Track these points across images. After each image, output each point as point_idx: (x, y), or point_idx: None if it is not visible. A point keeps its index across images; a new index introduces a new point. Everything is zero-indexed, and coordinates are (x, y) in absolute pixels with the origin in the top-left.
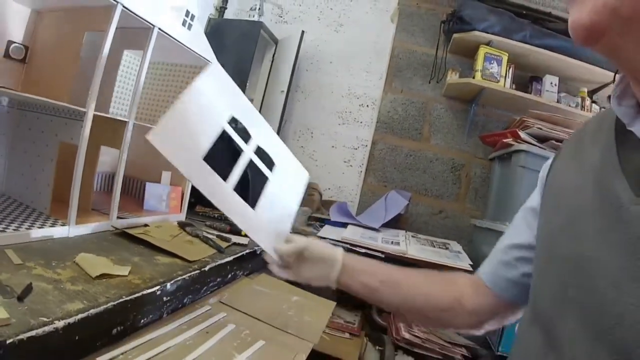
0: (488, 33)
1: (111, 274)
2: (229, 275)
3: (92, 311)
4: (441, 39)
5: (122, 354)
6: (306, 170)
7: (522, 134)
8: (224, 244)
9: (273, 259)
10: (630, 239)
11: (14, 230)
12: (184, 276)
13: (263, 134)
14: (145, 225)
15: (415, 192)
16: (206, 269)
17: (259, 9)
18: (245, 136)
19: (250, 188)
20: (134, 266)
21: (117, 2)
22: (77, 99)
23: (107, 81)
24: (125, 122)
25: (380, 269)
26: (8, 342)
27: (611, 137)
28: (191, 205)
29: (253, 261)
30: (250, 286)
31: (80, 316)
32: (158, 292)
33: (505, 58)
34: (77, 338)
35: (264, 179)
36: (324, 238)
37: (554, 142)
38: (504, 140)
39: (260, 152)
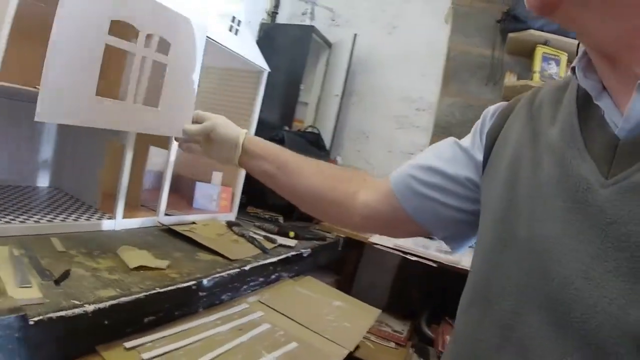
0: (544, 32)
1: (149, 266)
2: (272, 276)
3: (123, 299)
4: (497, 39)
5: (150, 341)
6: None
7: None
8: (269, 245)
9: (182, 139)
10: (600, 224)
11: (61, 220)
12: (222, 273)
13: (150, 18)
14: (193, 223)
15: None
16: (247, 268)
17: (311, 13)
18: (131, 34)
19: (150, 88)
20: (174, 261)
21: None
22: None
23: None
24: None
25: (279, 156)
26: (37, 319)
27: (573, 112)
28: (242, 206)
29: (299, 263)
30: (293, 288)
31: (110, 302)
32: (193, 287)
33: (564, 58)
34: (106, 322)
35: (162, 67)
36: (376, 244)
37: None
38: None
39: (150, 39)
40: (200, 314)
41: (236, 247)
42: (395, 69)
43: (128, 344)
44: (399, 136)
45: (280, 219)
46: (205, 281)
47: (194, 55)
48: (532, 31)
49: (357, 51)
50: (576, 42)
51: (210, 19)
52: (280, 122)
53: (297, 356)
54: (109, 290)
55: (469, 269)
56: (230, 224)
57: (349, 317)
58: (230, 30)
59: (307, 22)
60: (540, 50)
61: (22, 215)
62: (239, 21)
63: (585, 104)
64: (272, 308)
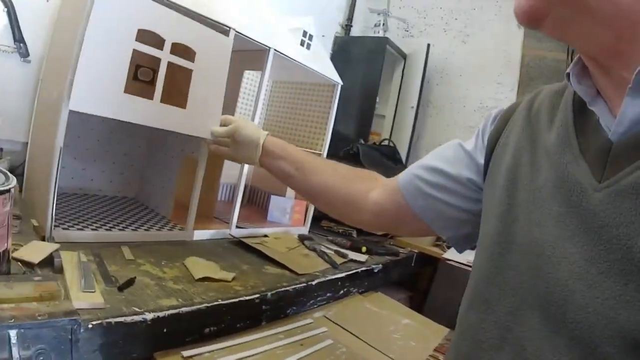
0: None
1: (214, 277)
2: (341, 292)
3: (184, 309)
4: None
5: (209, 352)
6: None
7: None
8: (339, 260)
9: (210, 140)
10: (594, 227)
11: (133, 230)
12: (287, 288)
13: (176, 29)
14: (265, 236)
15: None
16: (314, 283)
17: (384, 24)
18: (159, 42)
19: (177, 88)
20: (240, 273)
21: (230, 27)
22: None
23: (229, 101)
24: None
25: (297, 156)
26: (95, 322)
27: (569, 117)
28: (316, 219)
29: (369, 279)
30: (361, 304)
31: (170, 312)
32: (257, 300)
33: None
34: (165, 331)
35: (188, 73)
36: (449, 260)
37: None
38: None
39: (177, 47)
40: (263, 327)
41: (305, 261)
42: (470, 78)
43: (186, 353)
44: None
45: (354, 234)
46: (269, 295)
47: (221, 64)
48: None
49: (431, 61)
50: None
51: (280, 35)
52: (356, 136)
53: None
54: (171, 300)
55: None
56: (302, 238)
57: (416, 336)
58: (301, 44)
59: (381, 34)
60: None
61: (96, 223)
62: (311, 35)
63: (581, 109)
64: (337, 324)
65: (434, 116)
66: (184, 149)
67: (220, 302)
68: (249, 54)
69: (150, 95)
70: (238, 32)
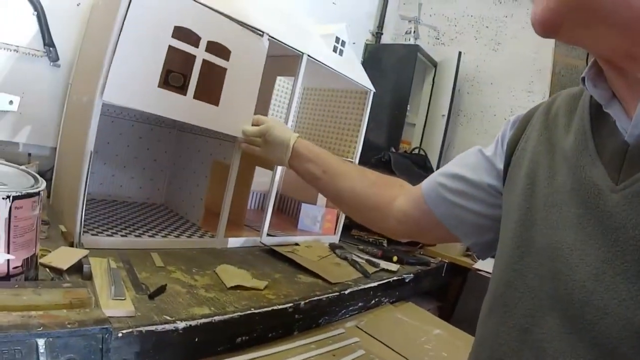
0: None
1: (246, 286)
2: (373, 301)
3: (216, 318)
4: None
5: None
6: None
7: None
8: (371, 269)
9: (241, 139)
10: (610, 228)
11: (163, 237)
12: (320, 297)
13: (212, 28)
14: (296, 244)
15: None
16: (346, 292)
17: (414, 32)
18: (194, 39)
19: (210, 86)
20: (272, 282)
21: (264, 32)
22: None
23: (262, 106)
24: None
25: (326, 160)
26: (125, 331)
27: (586, 120)
28: (346, 228)
29: (400, 289)
30: (392, 314)
31: (202, 320)
32: (290, 309)
33: None
34: (196, 340)
35: (222, 71)
36: (480, 270)
37: None
38: None
39: (213, 45)
40: (295, 336)
41: (337, 270)
42: (501, 86)
43: None
44: None
45: (385, 243)
46: (302, 304)
47: (255, 64)
48: None
49: (462, 69)
50: None
51: (313, 41)
52: (387, 144)
53: None
54: (203, 308)
55: None
56: (333, 247)
57: (448, 346)
58: (334, 51)
59: (412, 42)
60: None
61: (125, 229)
62: (343, 41)
63: (597, 112)
64: (368, 334)
65: (464, 124)
66: (213, 153)
67: (253, 311)
68: (281, 60)
69: (183, 92)
70: (272, 37)
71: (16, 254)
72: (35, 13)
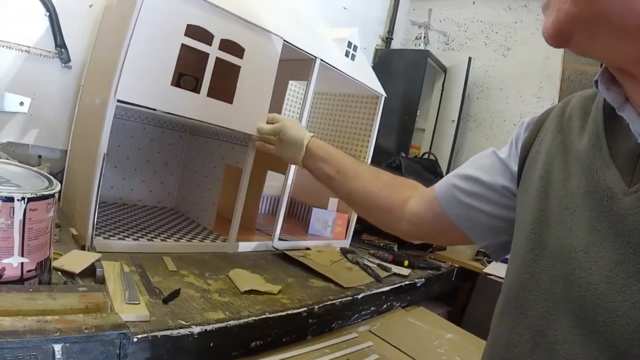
0: None
1: (260, 290)
2: (385, 305)
3: (232, 322)
4: None
5: None
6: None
7: None
8: (383, 274)
9: (256, 137)
10: (623, 231)
11: (175, 241)
12: (334, 301)
13: (225, 24)
14: (307, 249)
15: None
16: (359, 296)
17: (424, 37)
18: (207, 37)
19: (224, 84)
20: (286, 286)
21: (278, 36)
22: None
23: (274, 110)
24: None
25: (340, 160)
26: (141, 336)
27: (599, 123)
28: (357, 233)
29: (412, 293)
30: (404, 318)
31: (218, 325)
32: (304, 314)
33: None
34: (211, 344)
35: (236, 69)
36: (490, 275)
37: None
38: None
39: (226, 43)
40: (308, 341)
41: (349, 275)
42: (510, 92)
43: None
44: None
45: (395, 247)
46: (316, 308)
47: (269, 62)
48: None
49: (472, 75)
50: None
51: (325, 45)
52: (396, 149)
53: None
54: (218, 313)
55: None
56: (344, 251)
57: (460, 350)
58: (346, 55)
59: (422, 47)
60: None
61: (136, 233)
62: (355, 46)
63: (611, 115)
64: (381, 338)
65: (474, 130)
66: (225, 157)
67: (268, 315)
68: (294, 64)
69: (196, 91)
70: (285, 41)
71: (30, 257)
72: (47, 14)
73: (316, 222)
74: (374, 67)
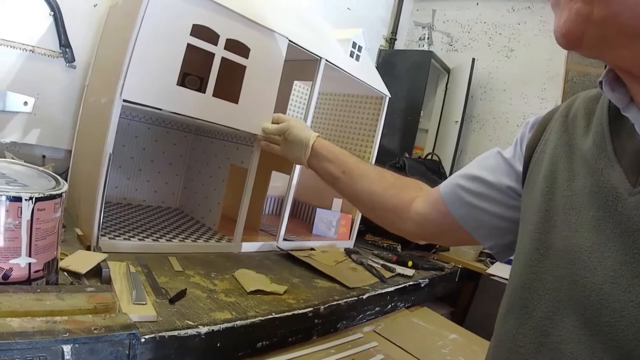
0: None
1: (266, 290)
2: (389, 306)
3: (238, 323)
4: None
5: None
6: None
7: None
8: (387, 274)
9: (261, 136)
10: (628, 231)
11: (180, 241)
12: (339, 301)
13: (231, 24)
14: (312, 249)
15: None
16: (364, 297)
17: (428, 38)
18: (213, 37)
19: (229, 84)
20: (291, 287)
21: (283, 36)
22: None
23: (279, 110)
24: None
25: (345, 160)
26: (149, 336)
27: (604, 123)
28: (361, 233)
29: (415, 294)
30: (408, 319)
31: (225, 325)
32: (310, 314)
33: None
34: (218, 345)
35: (241, 69)
36: (493, 275)
37: None
38: None
39: (232, 43)
40: (313, 341)
41: (354, 275)
42: (514, 93)
43: None
44: None
45: (399, 248)
46: (322, 308)
47: (274, 62)
48: None
49: (475, 76)
50: None
51: (330, 45)
52: (400, 149)
53: None
54: (225, 313)
55: None
56: (348, 252)
57: (464, 351)
58: (351, 56)
59: (425, 48)
60: None
61: (142, 233)
62: (360, 47)
63: (616, 115)
64: (386, 338)
65: (477, 131)
66: (230, 157)
67: (274, 315)
68: (299, 64)
69: (202, 91)
70: (291, 41)
71: (38, 257)
72: (52, 14)
73: (320, 223)
74: (377, 68)
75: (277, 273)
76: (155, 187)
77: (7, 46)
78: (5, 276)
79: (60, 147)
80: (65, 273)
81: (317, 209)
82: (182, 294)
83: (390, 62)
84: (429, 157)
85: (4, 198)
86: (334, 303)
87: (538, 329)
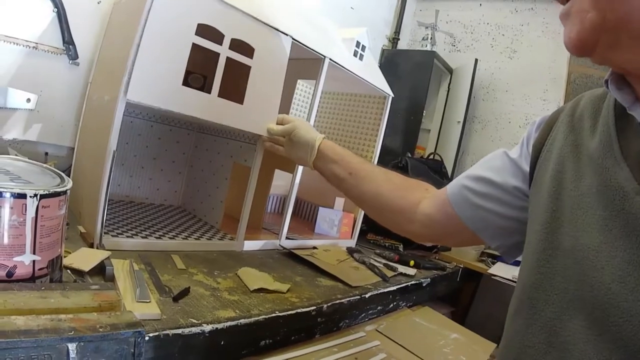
0: None
1: (269, 289)
2: (391, 305)
3: (242, 321)
4: None
5: None
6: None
7: None
8: (389, 273)
9: (266, 137)
10: (636, 230)
11: (183, 239)
12: (342, 300)
13: (235, 24)
14: (314, 247)
15: None
16: (367, 296)
17: (431, 38)
18: (218, 36)
19: (234, 84)
20: (294, 285)
21: (288, 35)
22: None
23: (282, 108)
24: None
25: (351, 162)
26: (153, 334)
27: (610, 122)
28: (363, 232)
29: (417, 293)
30: (410, 318)
31: (228, 324)
32: (313, 313)
33: None
34: (222, 343)
35: (246, 69)
36: (495, 275)
37: None
38: None
39: (236, 43)
40: (316, 340)
41: (356, 274)
42: (516, 94)
43: None
44: None
45: (400, 247)
46: (325, 307)
47: (279, 62)
48: None
49: (477, 76)
50: None
51: (334, 45)
52: (402, 149)
53: None
54: (228, 311)
55: None
56: (350, 251)
57: (466, 350)
58: (355, 55)
59: (428, 48)
60: None
61: (144, 231)
62: (364, 46)
63: (622, 113)
64: (388, 337)
65: (479, 131)
66: (234, 155)
67: (278, 313)
68: (302, 63)
69: (207, 91)
70: (295, 40)
71: (42, 254)
72: (56, 10)
73: (322, 222)
74: (380, 68)
75: (280, 271)
76: (157, 185)
77: (10, 42)
78: (10, 274)
79: (62, 144)
80: (68, 271)
81: (320, 208)
82: (185, 292)
83: (392, 62)
84: (431, 157)
85: (8, 195)
86: (337, 302)
87: (546, 328)
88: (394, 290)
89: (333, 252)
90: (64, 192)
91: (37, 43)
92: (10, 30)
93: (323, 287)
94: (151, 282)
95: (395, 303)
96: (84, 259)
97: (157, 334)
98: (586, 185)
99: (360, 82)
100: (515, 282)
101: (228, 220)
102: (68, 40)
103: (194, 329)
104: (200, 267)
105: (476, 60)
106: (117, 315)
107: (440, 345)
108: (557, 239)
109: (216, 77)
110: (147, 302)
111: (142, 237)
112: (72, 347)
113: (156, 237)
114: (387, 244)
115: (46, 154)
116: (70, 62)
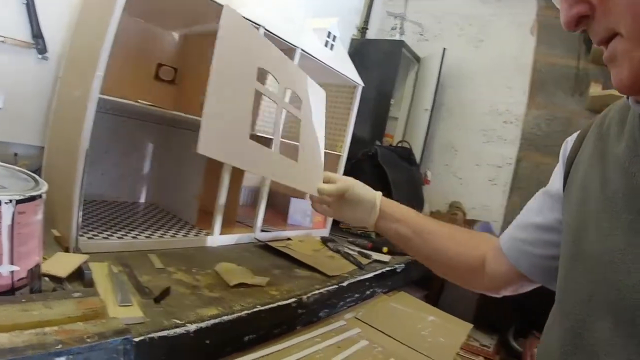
0: None
1: (249, 283)
2: (367, 292)
3: (225, 318)
4: (582, 49)
5: None
6: (322, 88)
7: None
8: (364, 261)
9: (317, 197)
10: None
11: (159, 237)
12: (321, 290)
13: (286, 74)
14: (288, 239)
15: None
16: (344, 284)
17: (400, 28)
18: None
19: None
20: (273, 278)
21: (260, 25)
22: None
23: (254, 100)
24: (271, 139)
25: (414, 219)
26: (138, 339)
27: (636, 128)
28: (335, 222)
29: (392, 279)
30: (387, 304)
31: (212, 321)
32: (293, 305)
33: None
34: (207, 342)
35: (298, 122)
36: None
37: None
38: None
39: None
40: (298, 331)
41: (332, 263)
42: (482, 82)
43: None
44: (487, 149)
45: (373, 235)
46: (305, 298)
47: (321, 115)
48: None
49: (445, 65)
50: None
51: (306, 35)
52: (371, 138)
53: None
54: (211, 309)
55: None
56: (325, 240)
57: (443, 332)
58: (325, 45)
59: (397, 37)
60: None
61: (119, 231)
62: (334, 36)
63: None
64: (368, 324)
65: (446, 119)
66: None
67: (259, 308)
68: None
69: (268, 145)
70: (267, 31)
71: (20, 264)
72: (25, 2)
73: (295, 213)
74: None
75: (258, 265)
76: (130, 182)
77: None
78: None
79: (32, 143)
80: (46, 278)
81: (292, 199)
82: (166, 292)
83: (361, 51)
84: (400, 144)
85: None
86: (317, 292)
87: (574, 331)
88: (370, 278)
89: (308, 243)
90: (40, 196)
91: (4, 37)
92: None
93: (301, 279)
94: (131, 284)
95: (372, 290)
96: (61, 264)
97: (142, 337)
98: (612, 189)
99: (331, 72)
100: None
101: (202, 214)
102: (37, 34)
103: (179, 330)
104: (179, 264)
105: (444, 49)
106: (103, 323)
107: (418, 328)
108: (583, 243)
109: (275, 132)
110: (129, 305)
111: (118, 238)
112: None
113: (132, 237)
114: (359, 232)
115: (15, 154)
116: (40, 56)
